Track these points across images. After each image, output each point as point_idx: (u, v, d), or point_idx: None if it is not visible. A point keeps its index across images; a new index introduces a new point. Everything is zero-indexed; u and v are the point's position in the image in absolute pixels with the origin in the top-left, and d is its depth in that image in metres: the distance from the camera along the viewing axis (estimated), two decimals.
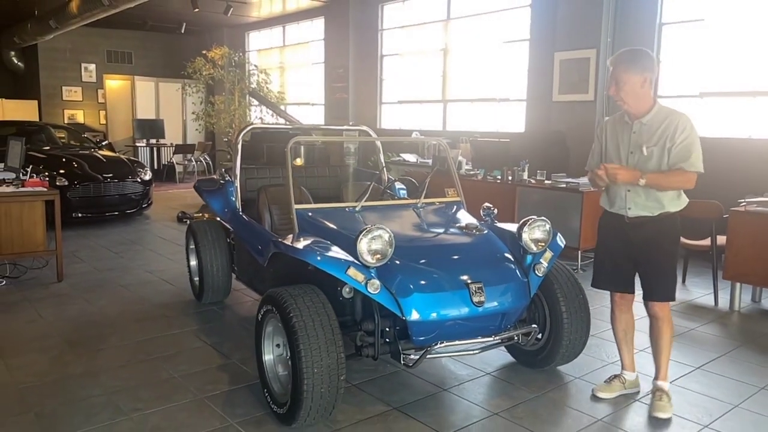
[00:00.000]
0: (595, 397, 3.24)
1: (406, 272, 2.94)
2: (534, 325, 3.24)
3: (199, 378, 3.43)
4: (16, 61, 15.21)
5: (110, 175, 8.14)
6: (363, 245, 2.82)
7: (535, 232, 3.22)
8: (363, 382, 3.39)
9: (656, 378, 3.16)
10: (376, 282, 2.81)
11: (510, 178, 6.55)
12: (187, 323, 4.37)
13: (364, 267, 2.84)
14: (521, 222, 3.27)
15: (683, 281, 5.58)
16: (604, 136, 3.16)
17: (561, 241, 3.42)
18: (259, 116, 12.35)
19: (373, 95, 11.15)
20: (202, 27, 14.43)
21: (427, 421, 2.98)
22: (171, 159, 13.76)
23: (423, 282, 2.92)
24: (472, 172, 7.08)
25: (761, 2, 6.38)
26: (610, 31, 7.32)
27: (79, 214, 7.76)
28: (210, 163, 14.16)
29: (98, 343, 4.00)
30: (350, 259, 2.87)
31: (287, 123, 10.29)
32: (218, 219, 4.76)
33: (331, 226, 3.36)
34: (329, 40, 11.86)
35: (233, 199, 4.46)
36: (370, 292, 2.80)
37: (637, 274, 3.17)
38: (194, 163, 13.85)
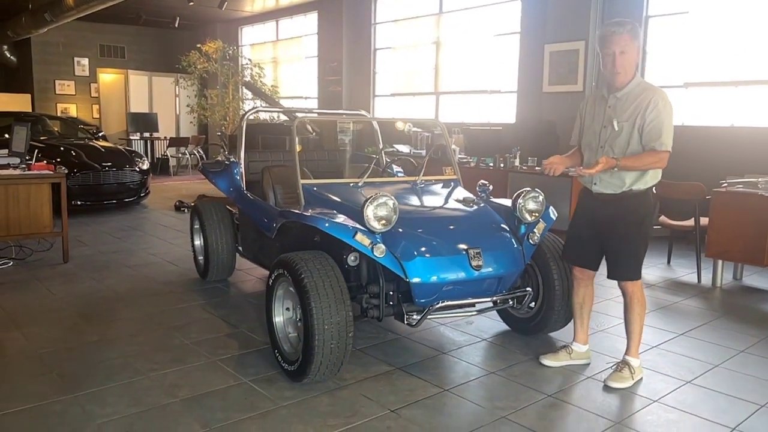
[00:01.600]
0: (539, 364, 3.33)
1: (409, 239, 3.13)
2: (528, 288, 3.44)
3: (210, 344, 3.61)
4: (8, 55, 15.23)
5: (109, 164, 8.27)
6: (369, 211, 3.01)
7: (529, 203, 3.42)
8: (367, 347, 3.58)
9: (626, 352, 3.20)
10: (382, 246, 3.00)
11: (502, 164, 6.76)
12: (194, 298, 4.54)
13: (370, 232, 3.03)
14: (516, 193, 3.47)
15: (668, 261, 5.83)
16: (584, 111, 3.28)
17: (553, 213, 3.63)
18: (255, 108, 12.50)
19: (366, 88, 11.33)
20: (196, 22, 14.53)
21: (429, 379, 3.18)
22: (165, 152, 13.87)
23: (425, 247, 3.11)
24: (465, 160, 7.29)
25: None
26: (599, 23, 7.55)
27: (79, 202, 7.87)
28: (204, 156, 14.26)
29: (110, 315, 4.16)
30: (357, 225, 3.06)
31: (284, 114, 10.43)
32: (223, 201, 4.93)
33: (336, 199, 3.55)
34: (323, 34, 12.02)
35: (238, 178, 4.63)
36: (376, 256, 2.99)
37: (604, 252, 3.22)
38: (188, 156, 13.96)
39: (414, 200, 3.71)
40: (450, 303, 3.08)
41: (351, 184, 3.79)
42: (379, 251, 2.99)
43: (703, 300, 4.73)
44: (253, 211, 4.29)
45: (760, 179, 4.85)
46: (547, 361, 3.36)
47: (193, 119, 13.64)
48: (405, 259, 3.04)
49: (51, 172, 5.53)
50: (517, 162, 6.65)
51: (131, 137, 13.87)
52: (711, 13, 6.88)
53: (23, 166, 5.54)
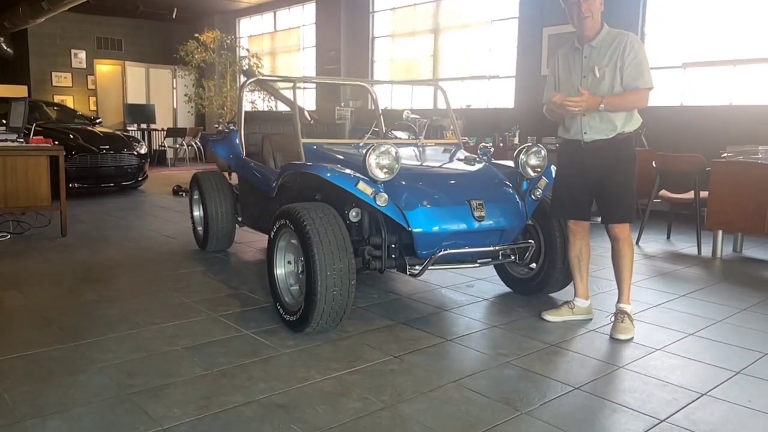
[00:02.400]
0: (541, 319, 3.32)
1: (411, 190, 3.13)
2: (531, 241, 3.43)
3: (211, 303, 3.59)
4: (5, 47, 15.18)
5: (106, 147, 8.24)
6: (372, 159, 3.00)
7: (531, 158, 3.42)
8: (369, 305, 3.57)
9: (618, 301, 3.20)
10: (384, 195, 2.99)
11: (501, 143, 6.76)
12: (194, 266, 4.52)
13: (372, 182, 3.02)
14: (518, 149, 3.46)
15: (668, 237, 5.83)
16: (556, 67, 3.27)
17: (554, 172, 3.62)
18: (251, 100, 12.50)
19: (364, 76, 11.32)
20: (193, 13, 14.52)
21: (431, 331, 3.17)
22: (162, 143, 13.83)
23: (427, 198, 3.11)
24: (464, 140, 7.28)
25: None
26: None
27: (76, 185, 7.84)
28: (201, 148, 14.23)
29: (109, 278, 4.14)
30: (359, 175, 3.04)
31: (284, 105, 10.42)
32: (221, 169, 4.91)
33: (338, 156, 3.53)
34: (320, 23, 12.02)
35: (238, 143, 4.61)
36: (378, 205, 2.98)
37: (594, 201, 3.25)
38: (185, 147, 13.93)
39: (416, 158, 3.71)
40: (452, 251, 3.06)
41: (352, 144, 3.78)
42: (382, 200, 2.98)
43: (704, 268, 4.73)
44: (253, 174, 4.28)
45: (760, 148, 4.85)
46: (549, 316, 3.35)
47: (191, 109, 13.61)
48: (407, 209, 3.03)
49: (49, 145, 5.50)
50: (516, 140, 6.66)
51: (128, 128, 13.83)
52: None
53: (21, 139, 5.51)
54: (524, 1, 8.52)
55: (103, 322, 3.21)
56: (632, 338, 3.08)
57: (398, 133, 5.00)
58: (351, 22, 11.40)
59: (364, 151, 3.09)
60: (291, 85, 3.93)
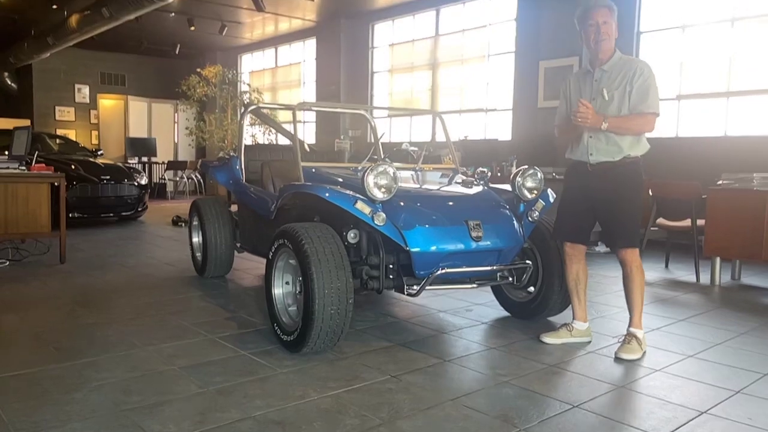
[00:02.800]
0: (539, 342, 3.30)
1: (409, 211, 3.15)
2: (528, 261, 3.44)
3: (209, 325, 3.57)
4: (9, 82, 15.43)
5: (107, 177, 8.30)
6: (370, 179, 3.03)
7: (527, 180, 3.46)
8: (366, 328, 3.56)
9: (630, 325, 3.18)
10: (383, 214, 3.01)
11: (499, 173, 6.82)
12: (192, 290, 4.51)
13: (370, 201, 3.05)
14: (514, 172, 3.51)
15: (666, 265, 5.83)
16: (568, 90, 3.32)
17: (552, 195, 3.66)
18: (252, 134, 12.65)
19: (363, 117, 11.45)
20: (196, 49, 14.80)
21: (429, 352, 3.15)
22: (162, 176, 13.93)
23: (425, 218, 3.13)
24: (462, 170, 7.33)
25: (733, 9, 6.82)
26: None
27: (76, 215, 7.86)
28: (201, 180, 14.32)
29: (107, 302, 4.13)
30: (357, 195, 3.08)
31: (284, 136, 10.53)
32: (222, 197, 4.94)
33: (336, 178, 3.57)
34: (321, 59, 12.25)
35: (238, 169, 4.66)
36: (376, 224, 3.00)
37: (598, 225, 3.26)
38: (185, 180, 14.02)
39: (414, 182, 3.75)
40: (449, 270, 3.07)
41: (351, 168, 3.83)
42: (380, 219, 3.00)
43: (702, 295, 4.72)
44: (253, 198, 4.31)
45: (754, 175, 4.90)
46: (548, 338, 3.33)
47: (192, 141, 13.76)
48: (405, 229, 3.05)
49: (50, 173, 5.54)
50: (514, 170, 6.69)
51: (129, 161, 13.94)
52: (702, 26, 7.07)
53: (23, 167, 5.56)
54: (521, 36, 8.70)
55: (100, 343, 3.20)
56: (637, 359, 3.07)
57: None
58: (351, 57, 11.61)
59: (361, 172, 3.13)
60: (291, 114, 3.97)
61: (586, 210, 3.24)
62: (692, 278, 5.28)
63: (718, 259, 5.09)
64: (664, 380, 2.82)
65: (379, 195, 3.04)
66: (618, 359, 3.07)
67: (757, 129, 6.60)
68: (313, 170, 3.71)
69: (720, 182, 5.17)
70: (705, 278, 5.20)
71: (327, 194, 3.10)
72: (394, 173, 3.07)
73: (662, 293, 4.71)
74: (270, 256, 3.20)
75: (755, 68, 6.68)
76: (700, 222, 5.26)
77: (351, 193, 3.10)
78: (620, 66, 3.12)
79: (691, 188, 5.27)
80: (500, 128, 9.17)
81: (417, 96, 10.68)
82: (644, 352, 3.14)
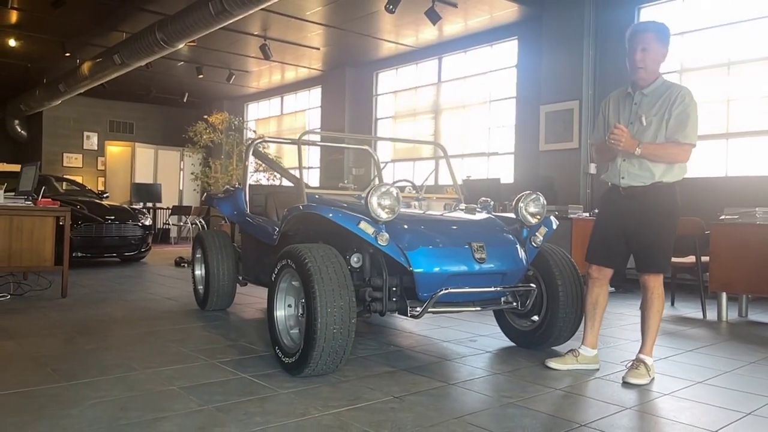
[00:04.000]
0: (546, 367, 3.24)
1: (412, 232, 3.16)
2: (532, 284, 3.41)
3: (209, 351, 3.52)
4: (19, 130, 15.71)
5: (111, 217, 8.34)
6: (374, 200, 3.04)
7: (530, 205, 3.48)
8: (368, 355, 3.50)
9: (640, 351, 3.13)
10: (386, 234, 3.01)
11: (502, 210, 6.83)
12: (193, 321, 4.47)
13: (374, 222, 3.05)
14: (517, 197, 3.53)
15: (672, 303, 5.76)
16: (607, 109, 3.30)
17: (555, 221, 3.67)
18: (257, 179, 12.76)
19: (367, 155, 11.60)
20: (204, 98, 15.12)
21: (433, 376, 3.09)
22: (166, 221, 14.00)
23: (428, 240, 3.13)
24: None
25: (729, 54, 6.98)
26: (591, 83, 7.90)
27: (79, 254, 7.87)
28: (205, 226, 14.37)
29: (106, 331, 4.09)
30: (361, 215, 3.09)
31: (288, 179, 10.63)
32: (226, 229, 4.96)
33: (341, 204, 3.59)
34: (326, 106, 12.49)
35: (242, 201, 4.69)
36: (380, 244, 3.00)
37: (630, 250, 3.20)
38: (189, 225, 14.07)
39: (417, 209, 3.76)
40: (453, 291, 3.04)
41: (355, 196, 3.85)
42: (383, 239, 3.00)
43: (710, 329, 4.66)
44: (256, 227, 4.32)
45: (757, 209, 4.91)
46: (554, 364, 3.27)
47: (197, 187, 13.88)
48: (408, 249, 3.05)
49: (56, 207, 5.58)
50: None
51: (134, 207, 14.02)
52: (698, 72, 7.22)
53: (29, 201, 5.60)
54: (522, 82, 8.89)
55: (98, 366, 3.15)
56: (645, 384, 3.00)
57: None
58: (355, 104, 11.84)
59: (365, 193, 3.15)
60: (293, 160, 4.04)
61: (616, 234, 3.20)
62: (699, 314, 5.21)
63: (724, 295, 5.04)
64: (673, 403, 2.76)
65: (383, 215, 3.05)
66: (626, 383, 3.01)
67: (756, 169, 6.65)
68: (317, 196, 3.74)
69: (723, 217, 5.17)
70: (712, 315, 5.14)
71: (330, 214, 3.11)
72: (397, 194, 3.10)
73: (669, 327, 4.64)
74: (273, 278, 3.19)
75: (752, 110, 6.79)
76: (705, 258, 5.23)
77: (355, 214, 3.11)
78: (662, 91, 3.07)
79: (693, 224, 5.26)
80: (503, 170, 9.25)
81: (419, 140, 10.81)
82: (652, 379, 3.07)
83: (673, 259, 5.49)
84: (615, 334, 4.26)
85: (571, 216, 6.18)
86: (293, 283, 3.12)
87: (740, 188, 6.56)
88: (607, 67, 7.80)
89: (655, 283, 3.12)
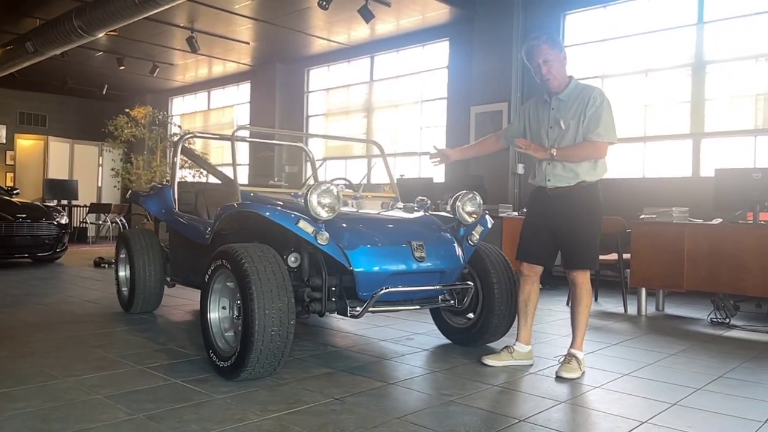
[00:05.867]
0: (482, 364, 3.30)
1: (352, 231, 3.12)
2: (470, 282, 3.44)
3: (136, 356, 3.35)
4: None
5: (23, 215, 7.82)
6: (314, 198, 2.99)
7: (467, 204, 3.52)
8: (305, 356, 3.44)
9: (571, 346, 3.23)
10: (326, 234, 2.96)
11: (435, 210, 6.90)
12: (117, 325, 4.25)
13: (313, 221, 3.00)
14: (454, 197, 3.56)
15: (595, 299, 6.00)
16: (526, 116, 3.42)
17: (490, 220, 3.74)
18: (182, 176, 12.33)
19: (298, 153, 11.46)
20: (125, 91, 14.46)
21: (372, 377, 3.07)
22: (84, 220, 13.29)
23: (368, 239, 3.11)
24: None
25: (647, 61, 7.35)
26: (519, 85, 8.12)
27: None
28: (126, 225, 13.75)
29: (22, 337, 3.81)
30: (300, 214, 3.02)
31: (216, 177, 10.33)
32: (149, 228, 4.75)
33: (277, 202, 3.50)
34: (255, 102, 12.23)
35: (171, 198, 4.49)
36: (319, 243, 2.95)
37: (558, 247, 3.32)
38: (109, 224, 13.42)
39: (355, 207, 3.73)
40: (393, 290, 3.03)
41: (291, 194, 3.77)
42: (323, 238, 2.95)
43: (631, 323, 4.88)
44: (186, 226, 4.15)
45: (673, 209, 5.18)
46: (490, 360, 3.33)
47: (117, 183, 13.26)
48: (348, 249, 3.01)
49: None
50: (448, 207, 6.81)
51: (47, 204, 13.23)
52: (622, 75, 7.57)
53: None
54: (452, 83, 9.03)
55: (15, 375, 2.93)
56: (577, 378, 3.09)
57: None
58: (286, 101, 11.66)
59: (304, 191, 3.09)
60: (220, 157, 3.91)
61: (545, 232, 3.28)
62: (620, 309, 5.45)
63: (643, 290, 5.29)
64: (604, 395, 2.86)
65: (322, 214, 3.00)
66: (559, 378, 3.09)
67: (671, 171, 7.04)
68: (252, 194, 3.63)
69: (642, 216, 5.43)
70: (632, 309, 5.39)
71: (268, 213, 3.03)
72: (337, 192, 3.05)
73: (594, 322, 4.82)
74: (206, 278, 3.07)
75: (668, 115, 7.18)
76: (626, 255, 5.48)
77: (293, 212, 3.04)
78: (576, 94, 3.18)
79: (615, 222, 5.49)
80: (435, 170, 9.35)
81: (351, 138, 10.79)
82: (583, 372, 3.18)
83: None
84: (546, 329, 4.38)
85: (501, 215, 6.33)
86: (228, 284, 3.01)
87: (657, 189, 6.92)
88: None
89: (583, 279, 3.23)
